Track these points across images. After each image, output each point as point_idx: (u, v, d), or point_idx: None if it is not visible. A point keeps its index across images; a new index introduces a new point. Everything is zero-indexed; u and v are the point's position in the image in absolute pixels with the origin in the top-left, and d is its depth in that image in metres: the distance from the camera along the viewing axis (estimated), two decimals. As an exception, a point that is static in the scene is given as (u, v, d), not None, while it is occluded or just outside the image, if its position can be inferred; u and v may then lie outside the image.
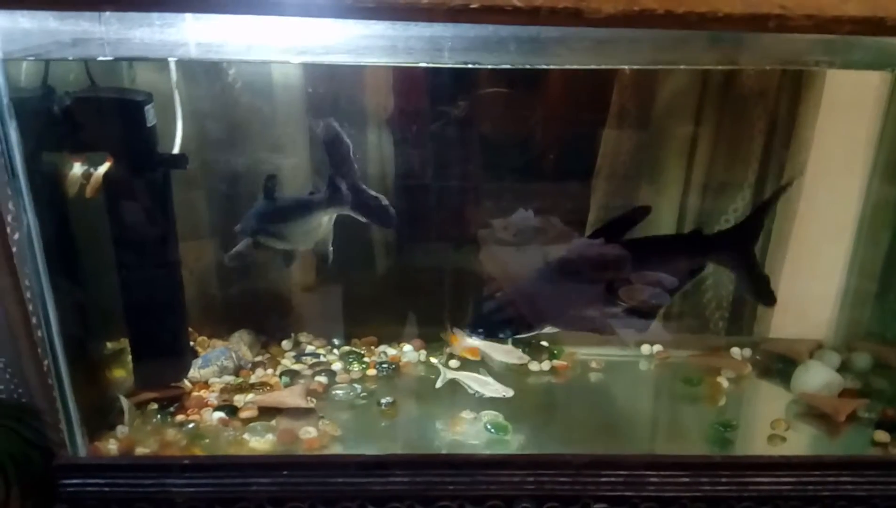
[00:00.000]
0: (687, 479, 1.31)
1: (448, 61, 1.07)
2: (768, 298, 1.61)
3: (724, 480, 1.31)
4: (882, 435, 1.43)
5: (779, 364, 1.68)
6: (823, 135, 1.62)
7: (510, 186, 1.70)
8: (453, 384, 1.53)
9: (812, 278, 1.72)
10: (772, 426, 1.46)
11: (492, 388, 1.50)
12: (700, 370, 1.65)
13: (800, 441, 1.46)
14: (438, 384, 1.52)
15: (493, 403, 1.48)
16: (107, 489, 1.29)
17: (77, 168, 1.28)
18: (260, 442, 1.38)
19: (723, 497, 1.31)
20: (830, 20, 0.96)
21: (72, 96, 1.21)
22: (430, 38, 1.04)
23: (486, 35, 1.04)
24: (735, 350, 1.73)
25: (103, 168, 1.30)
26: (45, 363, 1.30)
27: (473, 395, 1.50)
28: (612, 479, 1.31)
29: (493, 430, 1.42)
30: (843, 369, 1.62)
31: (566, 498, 1.31)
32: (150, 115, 1.26)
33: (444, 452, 1.38)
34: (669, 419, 1.60)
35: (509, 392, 1.49)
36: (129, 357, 1.45)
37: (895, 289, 1.65)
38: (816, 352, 1.66)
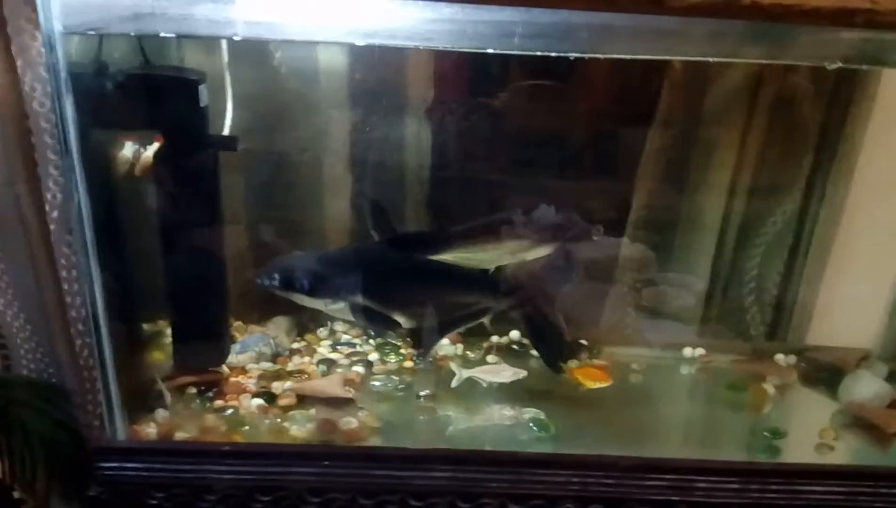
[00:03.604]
0: (736, 485, 1.28)
1: (517, 48, 1.04)
2: (554, 365, 1.53)
3: (773, 487, 1.28)
4: (934, 448, 1.40)
5: (823, 373, 1.64)
6: (875, 137, 1.58)
7: (553, 181, 1.67)
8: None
9: (858, 286, 1.68)
10: (820, 434, 1.43)
11: (505, 374, 1.49)
12: (744, 376, 1.62)
13: (847, 451, 1.43)
14: (454, 384, 1.49)
15: (534, 401, 1.46)
16: (145, 473, 1.28)
17: (127, 147, 1.26)
18: (300, 431, 1.36)
19: (772, 505, 1.28)
20: (922, 16, 0.93)
21: (126, 73, 1.18)
22: (500, 24, 1.02)
23: (557, 21, 1.01)
24: (779, 357, 1.70)
25: (153, 148, 1.28)
26: (78, 343, 1.29)
27: (490, 387, 1.48)
28: (659, 483, 1.28)
29: (535, 428, 1.40)
30: (891, 379, 1.58)
31: (611, 501, 1.28)
32: (203, 95, 1.24)
33: (487, 448, 1.36)
34: (713, 424, 1.56)
35: (522, 374, 1.48)
36: (168, 340, 1.44)
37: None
38: (863, 362, 1.62)
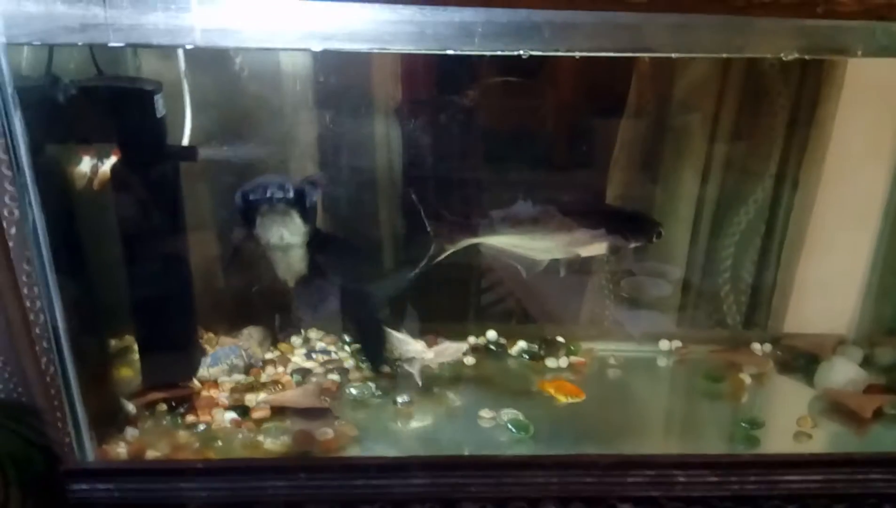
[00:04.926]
0: (715, 478, 1.28)
1: (479, 49, 1.02)
2: (373, 362, 1.56)
3: (752, 479, 1.28)
4: (911, 432, 1.41)
5: (799, 360, 1.65)
6: (845, 123, 1.59)
7: (529, 177, 1.66)
8: (473, 381, 1.50)
9: (832, 272, 1.69)
10: (798, 423, 1.43)
11: (449, 351, 1.53)
12: (721, 366, 1.62)
13: (826, 438, 1.43)
14: (418, 380, 1.49)
15: (514, 402, 1.44)
16: (117, 494, 1.25)
17: (84, 161, 1.22)
18: (275, 444, 1.33)
19: (751, 496, 1.28)
20: (882, 6, 0.92)
21: (78, 85, 1.14)
22: (461, 25, 0.99)
23: (519, 21, 0.99)
24: (755, 346, 1.70)
25: (110, 161, 1.24)
26: (44, 361, 1.25)
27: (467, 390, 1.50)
28: (639, 479, 1.28)
29: (514, 429, 1.38)
30: (866, 364, 1.59)
31: (592, 500, 1.27)
32: (160, 105, 1.20)
33: (466, 453, 1.35)
34: (692, 416, 1.57)
35: (464, 347, 1.58)
36: (136, 356, 1.40)
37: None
38: (839, 347, 1.63)
